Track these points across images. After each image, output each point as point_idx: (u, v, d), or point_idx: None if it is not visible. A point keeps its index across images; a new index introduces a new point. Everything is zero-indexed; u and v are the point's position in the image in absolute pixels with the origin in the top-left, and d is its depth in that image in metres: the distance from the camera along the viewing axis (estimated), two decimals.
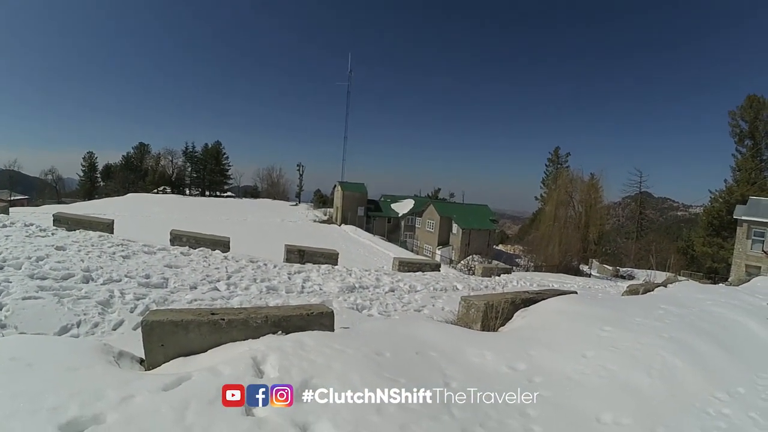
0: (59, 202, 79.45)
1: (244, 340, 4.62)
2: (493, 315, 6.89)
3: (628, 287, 16.74)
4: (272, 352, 4.19)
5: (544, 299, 7.79)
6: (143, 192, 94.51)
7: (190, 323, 4.52)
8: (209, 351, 4.52)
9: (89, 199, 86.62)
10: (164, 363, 4.45)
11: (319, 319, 5.08)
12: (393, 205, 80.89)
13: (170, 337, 4.49)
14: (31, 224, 14.23)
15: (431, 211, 70.78)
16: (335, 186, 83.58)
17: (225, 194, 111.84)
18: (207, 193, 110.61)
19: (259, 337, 4.65)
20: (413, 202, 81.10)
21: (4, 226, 13.46)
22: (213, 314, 4.73)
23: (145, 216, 37.71)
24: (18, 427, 3.09)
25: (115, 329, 7.23)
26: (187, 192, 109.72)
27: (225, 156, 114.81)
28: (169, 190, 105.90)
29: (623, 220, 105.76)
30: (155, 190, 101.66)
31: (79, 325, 7.07)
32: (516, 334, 6.24)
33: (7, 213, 17.34)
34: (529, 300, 7.65)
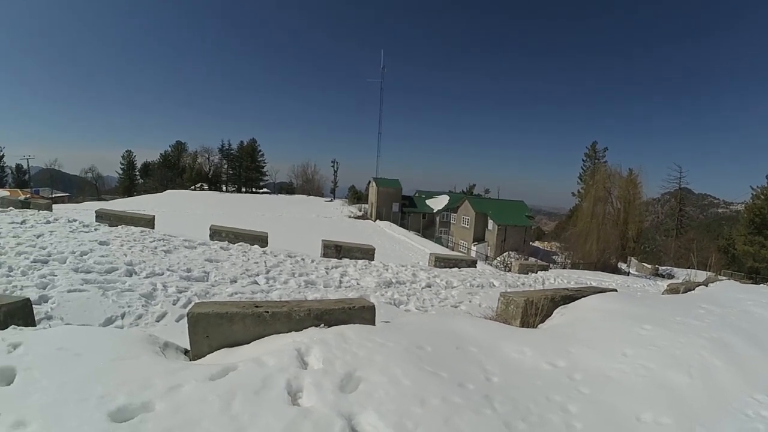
0: (99, 199, 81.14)
1: (287, 332, 4.72)
2: (532, 312, 6.87)
3: (668, 286, 16.47)
4: (315, 345, 4.26)
5: (583, 297, 7.73)
6: (181, 189, 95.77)
7: (234, 315, 4.63)
8: (253, 343, 4.63)
9: (128, 196, 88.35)
10: (209, 354, 4.59)
11: (361, 313, 5.15)
12: (428, 201, 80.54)
13: (215, 328, 4.62)
14: (74, 220, 14.62)
15: (466, 207, 70.01)
16: (369, 182, 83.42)
17: (261, 190, 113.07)
18: (243, 189, 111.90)
19: (302, 330, 4.74)
20: (448, 198, 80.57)
21: (48, 222, 13.85)
22: (257, 307, 4.84)
23: (183, 212, 38.19)
24: (68, 413, 3.19)
25: (158, 321, 7.40)
26: (224, 188, 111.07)
27: (260, 153, 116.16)
28: (206, 186, 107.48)
29: (662, 217, 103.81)
30: (192, 187, 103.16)
31: (123, 316, 7.27)
32: (555, 331, 6.20)
33: (51, 209, 17.82)
34: (568, 297, 7.60)
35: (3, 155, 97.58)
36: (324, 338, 4.41)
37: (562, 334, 5.90)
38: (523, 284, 15.38)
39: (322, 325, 4.84)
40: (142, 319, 7.32)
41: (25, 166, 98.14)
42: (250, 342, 4.64)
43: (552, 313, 7.17)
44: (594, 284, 15.52)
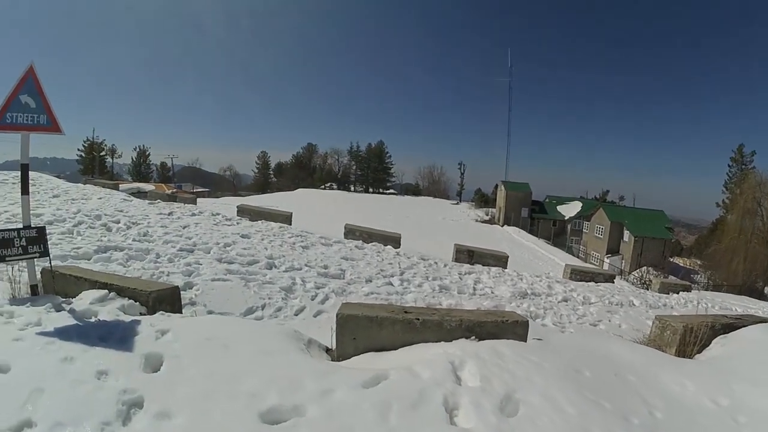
0: (235, 195, 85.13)
1: (436, 342, 4.57)
2: (691, 340, 6.33)
3: None
4: (470, 359, 4.06)
5: (744, 326, 7.08)
6: (311, 188, 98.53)
7: (384, 320, 4.56)
8: (401, 349, 4.52)
9: (262, 193, 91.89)
10: (354, 356, 4.54)
11: (513, 328, 4.90)
12: (559, 207, 76.08)
13: (363, 331, 4.57)
14: (218, 214, 15.36)
15: (601, 215, 64.57)
16: (496, 185, 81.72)
17: (387, 191, 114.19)
18: (370, 189, 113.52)
19: (451, 341, 4.57)
20: (581, 204, 75.43)
21: (194, 214, 14.64)
22: (407, 312, 4.74)
23: (314, 210, 39.21)
24: (215, 409, 3.19)
25: (297, 314, 7.54)
26: (352, 188, 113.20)
27: (388, 155, 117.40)
28: (335, 186, 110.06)
29: None
30: (322, 186, 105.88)
31: (263, 307, 7.46)
32: (715, 363, 5.65)
33: (195, 203, 18.88)
34: (728, 326, 6.95)
35: (149, 154, 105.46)
36: (478, 352, 4.20)
37: (722, 368, 5.36)
38: (664, 305, 14.44)
39: (473, 337, 4.65)
40: (282, 312, 7.49)
41: (169, 164, 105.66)
42: (397, 348, 4.55)
43: (710, 343, 6.59)
44: (739, 311, 14.33)
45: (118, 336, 4.29)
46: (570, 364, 4.37)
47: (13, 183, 17.52)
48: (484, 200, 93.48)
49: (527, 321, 5.10)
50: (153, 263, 8.67)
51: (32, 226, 5.65)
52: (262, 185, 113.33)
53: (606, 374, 4.42)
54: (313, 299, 8.25)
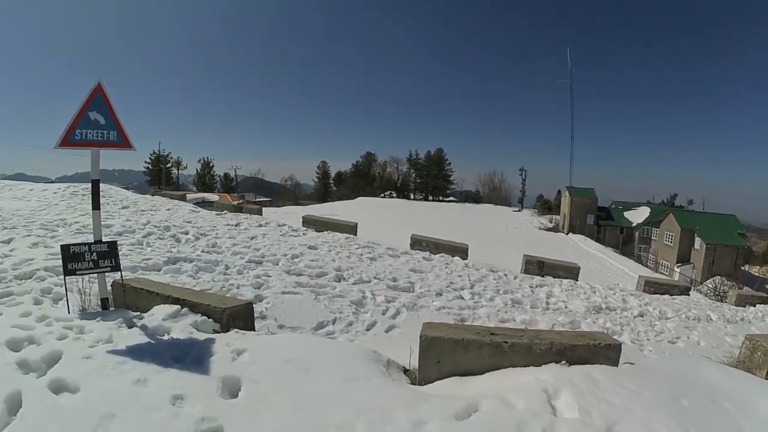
0: (296, 204, 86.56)
1: (524, 366, 4.28)
2: None
3: None
4: (564, 387, 3.77)
5: None
6: (371, 196, 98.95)
7: (471, 343, 4.32)
8: (486, 374, 4.27)
9: (322, 202, 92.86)
10: (437, 380, 4.31)
11: (605, 352, 4.53)
12: (626, 214, 72.79)
13: (448, 354, 4.33)
14: (284, 224, 15.41)
15: (670, 221, 60.85)
16: (559, 191, 79.84)
17: (447, 199, 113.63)
18: (430, 197, 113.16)
19: (540, 366, 4.26)
20: (649, 210, 71.99)
21: (260, 225, 14.74)
22: (493, 335, 4.48)
23: (375, 218, 39.23)
24: None
25: (368, 330, 7.34)
26: (412, 197, 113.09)
27: (447, 162, 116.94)
28: (394, 194, 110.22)
29: None
30: (382, 195, 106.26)
31: (334, 322, 7.30)
32: None
33: (261, 214, 19.01)
34: None
35: (213, 165, 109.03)
36: (572, 379, 3.91)
37: None
38: (742, 320, 13.60)
39: (564, 362, 4.32)
40: (353, 327, 7.31)
41: (232, 175, 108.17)
42: (483, 373, 4.28)
43: None
44: None
45: (192, 356, 4.19)
46: (669, 392, 4.02)
47: (83, 194, 18.15)
48: (546, 207, 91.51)
49: (620, 345, 4.74)
50: (222, 275, 8.65)
51: (103, 240, 5.64)
52: (323, 194, 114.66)
53: (703, 402, 4.05)
54: (384, 314, 8.05)
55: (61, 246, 5.52)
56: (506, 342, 4.34)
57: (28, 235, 10.08)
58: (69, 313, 5.45)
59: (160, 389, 3.53)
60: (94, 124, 5.44)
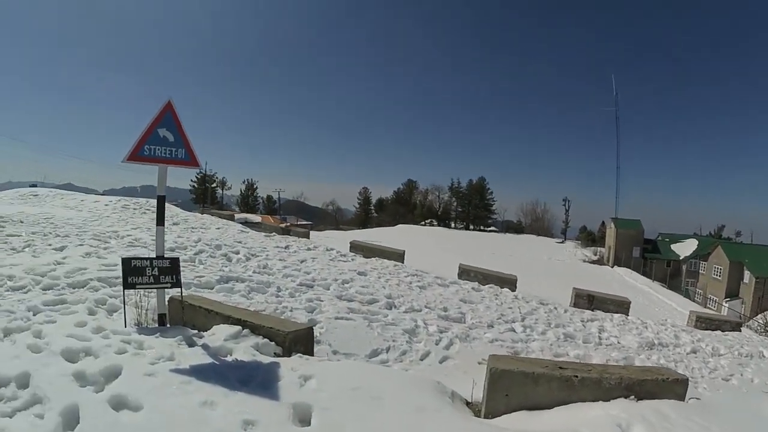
0: (337, 229, 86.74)
1: (593, 401, 4.17)
2: None
3: None
4: (636, 422, 3.70)
5: None
6: (412, 224, 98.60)
7: (540, 377, 4.20)
8: (555, 409, 4.15)
9: (362, 228, 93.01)
10: (504, 414, 4.23)
11: (673, 387, 4.43)
12: (673, 246, 69.75)
13: (517, 388, 4.23)
14: (332, 249, 15.40)
15: (719, 253, 57.81)
16: (602, 222, 77.89)
17: (488, 228, 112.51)
18: (471, 227, 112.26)
19: (609, 400, 4.16)
20: (696, 242, 68.81)
21: (309, 249, 14.74)
22: (562, 368, 4.36)
23: (416, 246, 39.06)
24: None
25: (422, 360, 7.18)
26: (452, 225, 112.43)
27: (489, 191, 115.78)
28: (435, 223, 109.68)
29: None
30: (423, 223, 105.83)
31: (388, 350, 7.13)
32: None
33: (309, 237, 19.07)
34: None
35: (257, 187, 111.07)
36: (643, 414, 3.82)
37: None
38: None
39: (632, 396, 4.19)
40: (406, 356, 7.15)
41: (275, 197, 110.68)
42: (551, 407, 4.17)
43: None
44: None
45: (259, 380, 4.08)
46: (734, 427, 4.01)
47: (134, 208, 18.53)
48: (590, 239, 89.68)
49: (687, 379, 4.65)
50: (275, 297, 8.58)
51: (165, 256, 5.61)
52: (363, 220, 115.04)
53: None
54: (437, 344, 7.87)
55: (122, 259, 5.52)
56: (576, 376, 4.24)
57: (80, 245, 10.25)
58: (126, 326, 5.43)
59: (229, 413, 3.43)
60: (163, 141, 5.47)
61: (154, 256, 5.60)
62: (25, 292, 6.76)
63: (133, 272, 5.37)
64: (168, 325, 5.65)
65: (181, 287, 5.66)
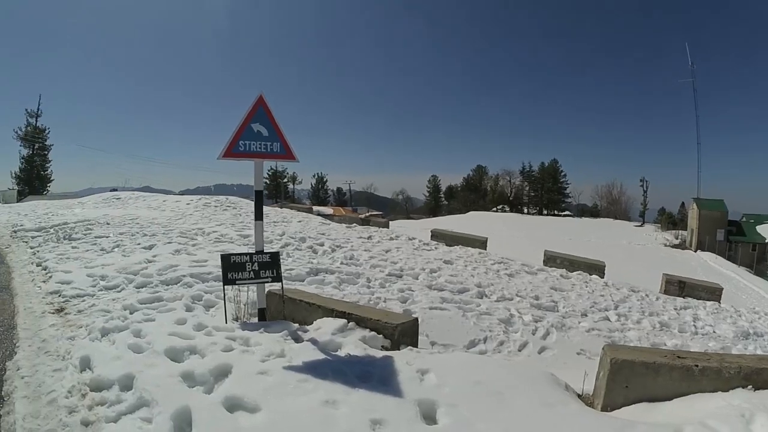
0: (407, 218, 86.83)
1: (712, 391, 3.91)
2: None
3: None
4: (759, 412, 3.43)
5: None
6: (483, 210, 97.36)
7: (661, 366, 3.97)
8: (674, 400, 3.91)
9: (433, 216, 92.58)
10: (623, 406, 3.99)
11: None
12: (759, 228, 63.63)
13: (638, 379, 4.01)
14: (413, 238, 15.26)
15: None
16: (682, 204, 73.70)
17: (562, 213, 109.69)
18: (544, 211, 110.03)
19: (728, 390, 3.88)
20: None
21: (392, 239, 14.68)
22: (681, 358, 4.09)
23: (490, 233, 38.57)
24: None
25: (520, 350, 7.01)
26: (525, 211, 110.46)
27: (562, 174, 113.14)
28: (507, 208, 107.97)
29: None
30: (494, 209, 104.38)
31: (485, 341, 6.96)
32: None
33: (388, 227, 19.05)
34: None
35: (326, 180, 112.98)
36: (765, 404, 3.53)
37: None
38: None
39: (750, 386, 3.88)
40: (504, 346, 6.97)
41: (344, 189, 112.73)
42: (670, 399, 3.92)
43: None
44: None
45: (377, 375, 3.95)
46: None
47: (215, 206, 19.04)
48: (671, 221, 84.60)
49: None
50: (366, 288, 8.52)
51: (265, 251, 5.59)
52: (433, 208, 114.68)
53: None
54: (533, 334, 7.65)
55: (222, 255, 5.54)
56: (696, 365, 3.96)
57: (169, 243, 10.53)
58: (226, 322, 5.45)
59: (355, 412, 3.31)
60: (257, 136, 5.45)
61: (253, 251, 5.59)
62: (119, 291, 6.94)
63: (232, 268, 5.38)
64: (267, 320, 5.64)
65: (281, 281, 5.63)
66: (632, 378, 4.01)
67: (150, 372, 3.88)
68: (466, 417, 3.32)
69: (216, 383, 3.79)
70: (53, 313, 5.99)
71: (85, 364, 4.20)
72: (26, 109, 69.03)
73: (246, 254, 5.49)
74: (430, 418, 3.37)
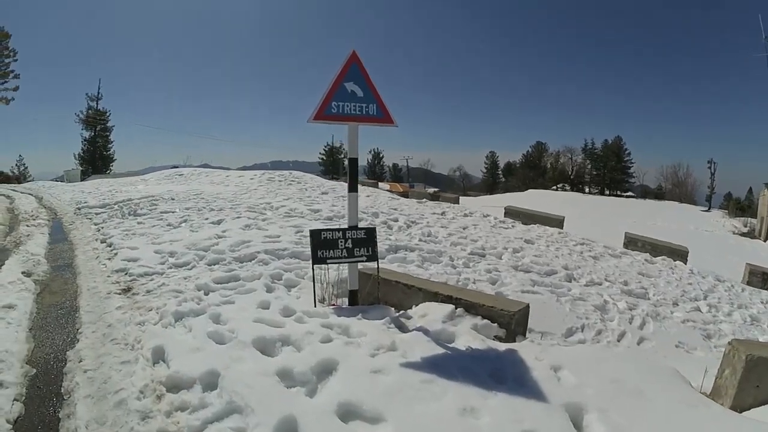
0: (464, 195, 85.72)
1: None
2: None
3: None
4: None
5: None
6: (542, 188, 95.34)
7: None
8: None
9: (490, 194, 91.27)
10: (752, 407, 3.65)
11: None
12: None
13: None
14: (488, 215, 14.69)
15: None
16: (750, 189, 69.75)
17: (625, 194, 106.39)
18: (607, 191, 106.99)
19: None
20: None
21: (466, 215, 14.20)
22: None
23: (554, 212, 37.51)
24: None
25: (619, 340, 6.44)
26: (586, 190, 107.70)
27: (627, 152, 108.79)
28: (567, 187, 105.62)
29: None
30: (554, 187, 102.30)
31: (582, 329, 6.41)
32: None
33: (458, 203, 18.53)
34: None
35: (383, 156, 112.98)
36: None
37: None
38: None
39: None
40: (602, 336, 6.39)
41: (400, 165, 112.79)
42: None
43: None
44: None
45: (510, 374, 3.45)
46: None
47: (279, 180, 18.94)
48: (739, 207, 78.56)
49: None
50: (451, 267, 8.03)
51: (359, 227, 5.06)
52: (491, 186, 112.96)
53: None
54: (630, 323, 7.06)
55: (311, 231, 5.07)
56: None
57: (237, 217, 10.30)
58: (315, 306, 5.00)
59: (501, 423, 2.80)
60: (351, 97, 4.89)
61: (345, 226, 5.10)
62: (190, 269, 6.60)
63: (323, 245, 4.89)
64: (360, 304, 5.14)
65: (377, 260, 5.12)
66: (764, 377, 3.70)
67: (238, 368, 3.37)
68: (618, 423, 2.88)
69: (320, 384, 3.30)
70: (119, 294, 5.66)
71: (159, 356, 3.73)
72: (87, 94, 71.43)
73: (338, 230, 5.00)
74: (578, 425, 2.92)
